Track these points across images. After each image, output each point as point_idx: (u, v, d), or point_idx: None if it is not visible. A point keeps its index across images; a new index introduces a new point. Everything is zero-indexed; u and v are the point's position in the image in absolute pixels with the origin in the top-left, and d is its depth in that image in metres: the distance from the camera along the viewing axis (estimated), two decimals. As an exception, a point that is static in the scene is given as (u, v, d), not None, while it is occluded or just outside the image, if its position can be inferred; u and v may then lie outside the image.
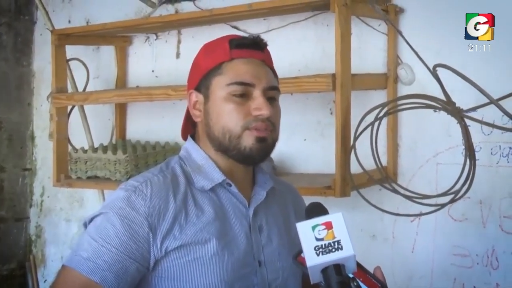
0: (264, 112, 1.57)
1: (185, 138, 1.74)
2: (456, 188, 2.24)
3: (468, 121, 2.25)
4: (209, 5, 3.10)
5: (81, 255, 1.51)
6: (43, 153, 3.87)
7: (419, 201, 2.32)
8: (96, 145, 3.33)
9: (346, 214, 2.67)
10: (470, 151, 2.23)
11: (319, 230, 1.36)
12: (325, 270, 1.34)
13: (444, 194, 2.27)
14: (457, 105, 2.25)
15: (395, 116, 2.67)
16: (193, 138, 1.71)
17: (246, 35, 2.93)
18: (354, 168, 2.42)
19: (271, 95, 1.62)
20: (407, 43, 2.35)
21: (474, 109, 2.16)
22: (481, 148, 2.53)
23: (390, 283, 2.65)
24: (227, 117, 1.58)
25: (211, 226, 1.57)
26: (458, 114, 2.20)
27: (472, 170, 2.23)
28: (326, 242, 1.34)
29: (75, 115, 3.46)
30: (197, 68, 1.66)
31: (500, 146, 2.51)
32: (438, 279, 2.61)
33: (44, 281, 3.88)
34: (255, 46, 1.64)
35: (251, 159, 1.62)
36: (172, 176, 1.62)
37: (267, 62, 1.66)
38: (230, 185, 1.64)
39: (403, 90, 2.67)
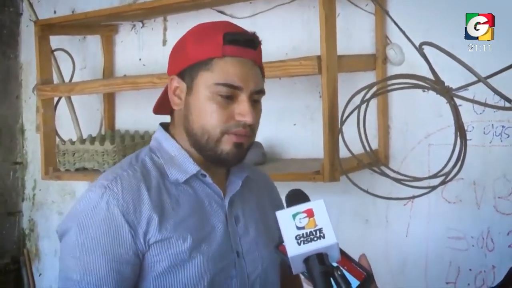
0: (248, 120, 1.52)
1: (156, 112, 1.68)
2: (447, 170, 2.19)
3: (459, 101, 2.20)
4: (194, -10, 3.04)
5: (72, 278, 1.46)
6: (34, 146, 3.82)
7: (409, 184, 2.27)
8: (85, 136, 3.28)
9: (337, 199, 2.72)
10: (460, 131, 2.17)
11: (300, 219, 1.31)
12: (307, 260, 1.29)
13: (435, 176, 2.22)
14: (446, 84, 2.20)
15: (385, 97, 2.62)
16: (164, 127, 1.65)
17: (234, 22, 2.94)
18: (344, 152, 2.36)
19: (256, 98, 1.56)
20: (394, 22, 2.30)
21: (463, 87, 2.11)
22: (473, 127, 2.47)
23: (384, 268, 2.66)
24: (208, 117, 1.52)
25: (188, 220, 1.52)
26: (447, 93, 2.14)
27: (463, 151, 2.17)
28: (308, 231, 1.29)
29: (64, 107, 3.41)
30: (184, 54, 1.56)
31: (492, 125, 2.45)
32: (433, 262, 2.56)
33: (39, 275, 3.85)
34: (248, 44, 1.56)
35: (225, 163, 1.58)
36: (142, 169, 1.55)
37: (258, 61, 1.58)
38: (205, 176, 1.58)
39: (392, 71, 2.60)
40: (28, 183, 3.91)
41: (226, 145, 1.53)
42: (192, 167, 1.57)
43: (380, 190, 2.52)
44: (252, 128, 1.55)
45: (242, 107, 1.51)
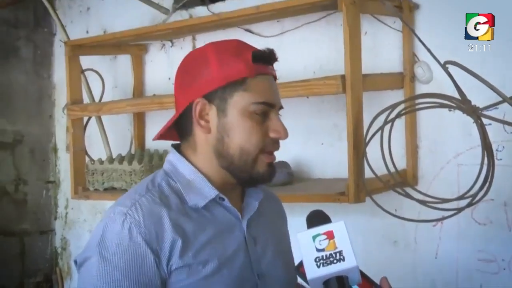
0: (283, 136, 1.54)
1: (157, 139, 1.65)
2: (474, 191, 2.13)
3: (489, 120, 2.15)
4: (222, 10, 3.04)
5: None
6: (66, 165, 3.83)
7: (435, 206, 2.21)
8: (115, 156, 3.29)
9: (365, 220, 2.67)
10: (488, 151, 2.11)
11: (320, 240, 1.32)
12: (327, 283, 1.29)
13: (461, 197, 2.16)
14: (473, 103, 2.15)
15: (413, 116, 2.57)
16: (176, 148, 1.62)
17: (262, 40, 2.95)
18: (371, 172, 2.33)
19: (279, 114, 1.58)
20: (419, 39, 2.26)
21: (489, 107, 2.06)
22: (503, 147, 2.41)
23: (413, 291, 2.59)
24: (249, 136, 1.51)
25: (209, 246, 1.50)
26: (474, 113, 2.10)
27: (491, 171, 2.12)
28: (327, 253, 1.30)
29: (95, 126, 3.44)
30: (208, 74, 1.52)
31: (524, 144, 2.39)
32: (463, 285, 2.49)
33: (71, 294, 3.87)
34: (271, 61, 1.57)
35: (258, 183, 1.59)
36: (160, 195, 1.52)
37: (276, 76, 1.60)
38: (223, 200, 1.56)
39: (421, 89, 2.56)
40: (61, 201, 3.94)
41: (262, 166, 1.53)
42: (211, 191, 1.54)
43: (409, 210, 2.48)
44: (279, 144, 1.57)
45: (276, 124, 1.53)
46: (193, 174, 1.56)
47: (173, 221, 1.47)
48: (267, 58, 1.55)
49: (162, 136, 1.63)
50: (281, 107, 1.58)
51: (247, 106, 1.50)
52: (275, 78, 1.59)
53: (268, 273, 1.58)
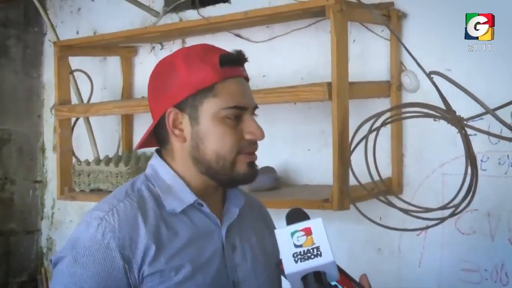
0: (259, 137, 1.53)
1: (139, 148, 1.65)
2: (458, 201, 2.14)
3: (474, 130, 2.16)
4: (213, 14, 3.04)
5: None
6: (53, 165, 3.82)
7: (418, 215, 2.22)
8: (102, 157, 3.29)
9: (349, 227, 2.68)
10: (472, 161, 2.12)
11: (298, 237, 1.34)
12: (305, 278, 1.31)
13: (444, 207, 2.17)
14: (459, 113, 2.16)
15: (399, 125, 2.57)
16: (159, 153, 1.61)
17: (251, 46, 2.95)
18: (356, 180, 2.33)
19: (254, 113, 1.57)
20: (406, 49, 2.27)
21: (473, 118, 2.06)
22: (488, 158, 2.42)
23: (397, 299, 2.59)
24: (223, 141, 1.51)
25: (184, 251, 1.50)
26: (459, 123, 2.10)
27: (474, 182, 2.12)
28: (305, 249, 1.32)
29: (83, 127, 3.43)
30: (177, 83, 1.51)
31: (508, 155, 2.39)
32: (446, 295, 2.50)
33: (56, 294, 3.85)
34: (240, 62, 1.56)
35: (241, 183, 1.58)
36: (138, 199, 1.52)
37: (247, 78, 1.59)
38: (202, 205, 1.55)
39: (407, 98, 2.57)
40: (48, 201, 3.93)
41: (241, 166, 1.52)
42: (189, 197, 1.54)
43: (393, 219, 2.49)
44: (257, 144, 1.56)
45: (251, 126, 1.53)
46: (173, 179, 1.56)
47: (149, 227, 1.48)
48: (235, 60, 1.54)
49: (144, 144, 1.63)
50: (255, 107, 1.57)
51: (218, 112, 1.50)
52: (246, 79, 1.58)
53: (245, 281, 1.58)
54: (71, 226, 3.80)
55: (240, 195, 1.64)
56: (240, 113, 1.52)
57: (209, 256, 1.53)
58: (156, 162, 1.60)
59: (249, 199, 1.71)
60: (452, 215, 2.15)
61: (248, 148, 1.53)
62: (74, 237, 1.49)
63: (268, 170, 2.78)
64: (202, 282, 1.49)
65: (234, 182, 1.56)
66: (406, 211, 2.23)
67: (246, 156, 1.53)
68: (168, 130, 1.53)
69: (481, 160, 2.40)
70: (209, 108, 1.50)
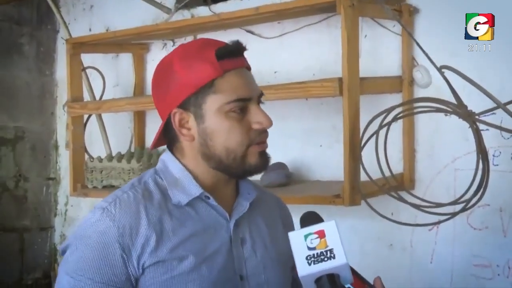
0: (267, 125, 1.53)
1: (154, 148, 1.66)
2: (469, 196, 2.13)
3: (485, 125, 2.16)
4: (224, 10, 3.04)
5: None
6: (67, 162, 3.84)
7: (429, 211, 2.21)
8: (115, 154, 3.30)
9: (361, 223, 2.67)
10: (483, 156, 2.11)
11: (311, 239, 1.34)
12: (319, 280, 1.31)
13: (455, 202, 2.16)
14: (471, 108, 2.15)
15: (411, 120, 2.57)
16: (171, 149, 1.62)
17: (263, 42, 2.96)
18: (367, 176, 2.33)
19: (259, 100, 1.56)
20: (417, 44, 2.26)
21: (484, 112, 2.05)
22: (500, 152, 2.41)
23: (408, 294, 2.59)
24: (231, 136, 1.51)
25: (188, 242, 1.50)
26: (470, 117, 2.10)
27: (486, 176, 2.11)
28: (318, 251, 1.32)
29: (96, 124, 3.45)
30: (177, 84, 1.51)
31: (520, 150, 2.38)
32: (458, 290, 2.50)
33: (70, 291, 3.87)
34: (238, 53, 1.55)
35: (254, 174, 1.57)
36: (143, 191, 1.54)
37: (249, 66, 1.58)
38: (209, 198, 1.56)
39: (419, 93, 2.56)
40: (61, 198, 3.95)
41: (253, 157, 1.53)
42: (195, 189, 1.55)
43: (405, 214, 2.49)
44: (267, 132, 1.56)
45: (257, 115, 1.52)
46: (181, 172, 1.57)
47: (151, 217, 1.49)
48: (232, 52, 1.52)
49: (157, 144, 1.64)
50: (260, 95, 1.56)
51: (221, 107, 1.50)
52: (248, 68, 1.57)
53: (253, 275, 1.58)
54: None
55: (252, 190, 1.64)
56: (244, 105, 1.52)
57: (215, 249, 1.53)
58: (166, 157, 1.61)
59: (263, 194, 1.72)
60: (463, 210, 2.14)
61: (258, 138, 1.53)
62: (78, 226, 1.54)
63: (280, 166, 2.78)
64: (207, 274, 1.50)
65: (247, 173, 1.56)
66: (417, 206, 2.22)
67: (257, 147, 1.53)
68: (176, 130, 1.55)
69: (493, 155, 2.39)
70: (212, 104, 1.50)
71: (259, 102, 1.56)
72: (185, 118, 1.53)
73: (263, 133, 1.54)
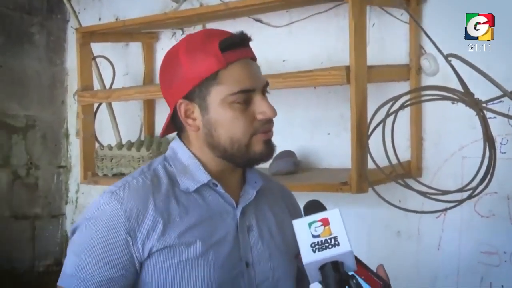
0: (271, 115, 1.55)
1: (163, 136, 1.70)
2: (475, 184, 2.15)
3: (492, 113, 2.17)
4: (232, -1, 3.06)
5: (66, 273, 1.53)
6: (77, 150, 3.86)
7: (436, 198, 2.23)
8: (125, 142, 3.33)
9: (369, 211, 2.69)
10: (490, 144, 2.12)
11: (315, 227, 1.36)
12: (323, 268, 1.33)
13: (461, 190, 2.17)
14: (478, 96, 2.17)
15: (418, 108, 2.58)
16: (180, 137, 1.65)
17: (271, 30, 2.97)
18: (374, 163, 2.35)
19: (265, 90, 1.58)
20: (425, 32, 2.28)
21: (491, 100, 2.07)
22: (508, 140, 2.42)
23: (415, 281, 2.62)
24: (234, 126, 1.53)
25: (195, 228, 1.53)
26: (477, 105, 2.11)
27: (492, 164, 2.13)
28: (323, 239, 1.34)
29: (106, 112, 3.47)
30: (183, 75, 1.54)
31: (528, 138, 2.39)
32: (465, 277, 2.51)
33: (81, 278, 3.91)
34: (243, 44, 1.57)
35: (259, 162, 1.60)
36: (153, 177, 1.57)
37: (254, 57, 1.60)
38: (216, 185, 1.59)
39: (427, 81, 2.57)
40: (72, 186, 3.98)
41: (258, 146, 1.55)
42: (204, 176, 1.58)
43: (413, 202, 2.50)
44: (272, 122, 1.58)
45: (261, 106, 1.54)
46: (189, 159, 1.60)
47: (158, 203, 1.52)
48: (236, 43, 1.54)
49: (166, 131, 1.67)
50: (266, 85, 1.57)
51: (225, 99, 1.52)
52: (253, 58, 1.59)
53: (259, 262, 1.60)
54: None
55: (259, 179, 1.66)
56: (248, 96, 1.53)
57: (222, 236, 1.56)
58: (176, 144, 1.64)
59: (269, 182, 1.74)
60: (470, 197, 2.16)
61: (262, 128, 1.55)
62: (87, 209, 1.58)
63: (288, 154, 2.80)
64: (213, 260, 1.53)
65: (252, 162, 1.58)
66: (424, 194, 2.24)
67: (261, 135, 1.55)
68: (182, 120, 1.58)
69: (501, 143, 2.40)
70: (216, 96, 1.53)
71: (264, 92, 1.57)
72: (191, 109, 1.56)
73: (268, 123, 1.56)
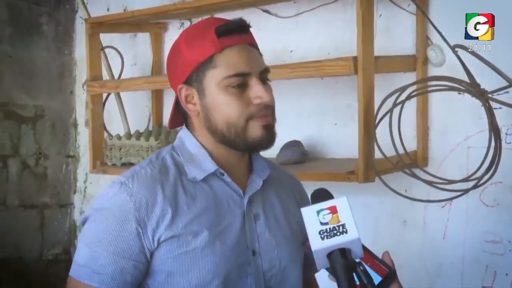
0: (266, 99, 1.56)
1: (172, 127, 1.73)
2: (481, 173, 2.17)
3: (498, 103, 2.19)
4: (241, -11, 3.07)
5: (79, 263, 1.55)
6: (86, 140, 3.89)
7: (442, 187, 2.25)
8: (133, 132, 3.35)
9: (375, 200, 2.72)
10: (495, 134, 2.15)
11: (323, 215, 1.37)
12: (330, 255, 1.35)
13: (466, 179, 2.20)
14: (484, 87, 2.19)
15: (425, 98, 2.60)
16: (187, 127, 1.68)
17: (279, 21, 2.99)
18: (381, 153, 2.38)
19: (264, 77, 1.60)
20: (431, 23, 2.30)
21: (497, 91, 2.09)
22: (513, 131, 2.44)
23: (421, 270, 2.65)
24: (229, 110, 1.55)
25: (202, 217, 1.55)
26: (482, 96, 2.13)
27: (498, 154, 2.15)
28: (331, 226, 1.35)
29: (114, 102, 3.50)
30: (182, 63, 1.59)
31: (533, 128, 2.41)
32: (470, 266, 2.54)
33: (89, 266, 3.94)
34: (240, 30, 1.59)
35: (259, 148, 1.61)
36: (161, 167, 1.59)
37: (254, 43, 1.62)
38: (223, 174, 1.61)
39: (433, 72, 2.59)
40: (80, 176, 4.02)
41: (256, 131, 1.56)
42: (210, 165, 1.60)
43: (418, 191, 2.53)
44: (271, 108, 1.59)
45: (256, 90, 1.55)
46: (196, 149, 1.62)
47: (167, 192, 1.54)
48: (231, 29, 1.57)
49: (173, 121, 1.70)
50: (264, 71, 1.59)
51: (220, 82, 1.55)
52: (253, 45, 1.61)
53: (266, 250, 1.62)
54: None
55: (266, 167, 1.68)
56: (243, 80, 1.55)
57: (229, 224, 1.58)
58: (183, 134, 1.67)
59: (277, 171, 1.76)
60: (475, 186, 2.18)
61: (259, 112, 1.56)
62: (96, 200, 1.60)
63: (295, 144, 2.83)
64: (220, 249, 1.55)
65: (251, 147, 1.59)
66: (429, 183, 2.27)
67: (259, 120, 1.56)
68: (183, 106, 1.61)
69: (506, 133, 2.42)
70: (211, 79, 1.56)
71: (263, 78, 1.59)
72: (190, 94, 1.59)
73: (265, 108, 1.57)
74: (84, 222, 1.59)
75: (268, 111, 1.58)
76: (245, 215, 1.61)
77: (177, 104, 1.65)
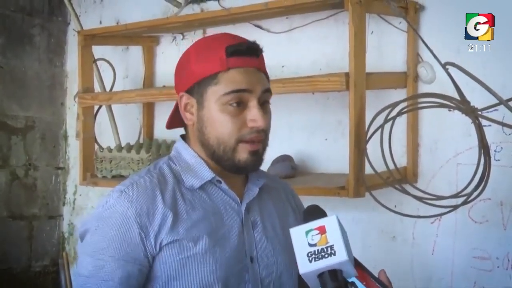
0: (260, 125, 1.58)
1: (169, 127, 1.74)
2: (470, 190, 2.19)
3: (488, 121, 2.21)
4: (234, 5, 3.09)
5: (84, 275, 1.55)
6: (76, 152, 3.90)
7: (432, 203, 2.27)
8: (124, 144, 3.36)
9: (365, 215, 2.74)
10: (484, 151, 2.17)
11: (312, 236, 1.36)
12: (321, 276, 1.34)
13: (456, 195, 2.22)
14: (474, 104, 2.21)
15: (415, 115, 2.62)
16: (183, 138, 1.71)
17: (271, 36, 3.01)
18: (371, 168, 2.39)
19: (265, 98, 1.62)
20: (422, 40, 2.32)
21: (486, 108, 2.11)
22: (502, 148, 2.46)
23: (410, 285, 2.66)
24: (222, 128, 1.58)
25: (201, 224, 1.58)
26: (472, 113, 2.15)
27: (487, 171, 2.17)
28: (319, 248, 1.33)
29: (105, 115, 3.51)
30: (189, 72, 1.61)
31: (521, 146, 2.44)
32: (458, 281, 2.55)
33: (77, 278, 3.93)
34: (251, 53, 1.61)
35: (243, 171, 1.64)
36: (159, 176, 1.62)
37: (262, 68, 1.63)
38: (220, 182, 1.64)
39: (423, 89, 2.62)
40: (70, 188, 4.01)
41: (243, 154, 1.59)
42: (207, 173, 1.63)
43: (408, 207, 2.54)
44: (265, 132, 1.61)
45: (252, 113, 1.57)
46: (193, 158, 1.65)
47: (166, 199, 1.57)
48: (243, 51, 1.59)
49: (171, 123, 1.73)
50: (266, 91, 1.60)
51: (219, 99, 1.57)
52: (261, 70, 1.62)
53: (263, 257, 1.65)
54: (92, 212, 3.87)
55: (262, 177, 1.71)
56: (242, 98, 1.57)
57: (227, 231, 1.60)
58: (179, 145, 1.70)
59: (272, 180, 1.79)
60: (464, 203, 2.20)
61: (249, 136, 1.58)
62: (96, 210, 1.61)
63: (286, 158, 2.84)
64: (220, 255, 1.57)
65: (237, 169, 1.61)
66: (419, 198, 2.28)
67: (247, 145, 1.59)
68: (181, 113, 1.64)
69: (495, 151, 2.45)
70: (212, 95, 1.58)
71: (263, 102, 1.60)
72: (190, 103, 1.62)
73: (258, 132, 1.59)
74: (83, 234, 1.60)
75: (260, 136, 1.60)
76: (243, 222, 1.63)
77: (178, 110, 1.67)
